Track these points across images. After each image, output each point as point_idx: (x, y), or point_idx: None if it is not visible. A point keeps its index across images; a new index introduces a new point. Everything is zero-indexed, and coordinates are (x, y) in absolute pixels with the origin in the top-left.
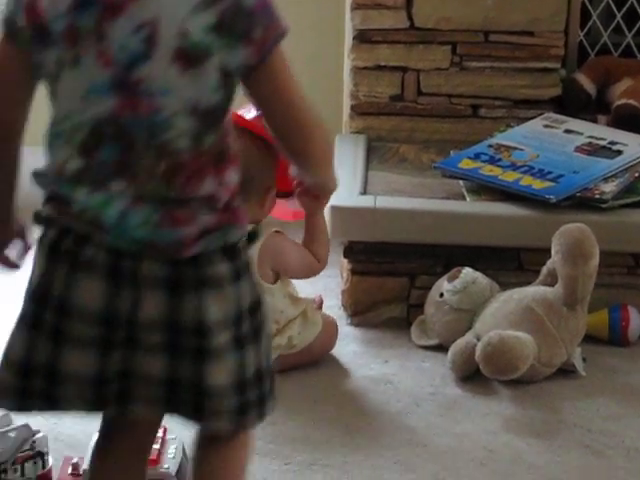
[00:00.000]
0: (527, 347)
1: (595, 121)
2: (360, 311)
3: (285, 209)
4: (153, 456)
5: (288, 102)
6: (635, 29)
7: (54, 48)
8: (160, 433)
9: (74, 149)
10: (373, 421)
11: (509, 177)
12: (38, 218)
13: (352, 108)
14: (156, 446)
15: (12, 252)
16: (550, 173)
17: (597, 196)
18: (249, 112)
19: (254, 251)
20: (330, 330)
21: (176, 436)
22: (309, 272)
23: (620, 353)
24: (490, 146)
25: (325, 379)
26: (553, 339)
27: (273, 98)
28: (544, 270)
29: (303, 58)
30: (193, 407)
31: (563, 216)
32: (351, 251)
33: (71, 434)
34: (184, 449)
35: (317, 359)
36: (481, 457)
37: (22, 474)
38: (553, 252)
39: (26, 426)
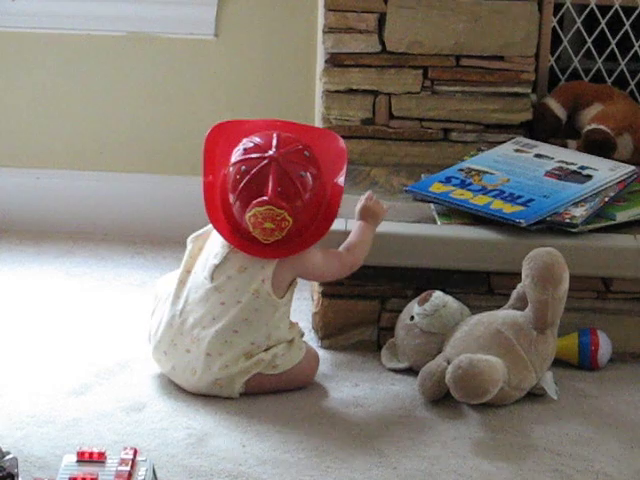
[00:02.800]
0: (497, 371)
1: (565, 146)
2: (330, 334)
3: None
4: (123, 478)
5: None
6: (605, 55)
7: None
8: (130, 455)
9: None
10: (343, 444)
11: (480, 201)
12: None
13: None
14: (126, 468)
15: None
16: (520, 197)
17: (567, 220)
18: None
19: (271, 264)
20: (312, 361)
21: (146, 458)
22: (337, 264)
23: (589, 377)
24: (461, 170)
25: (295, 401)
26: (523, 363)
27: None
28: (514, 294)
29: (275, 80)
30: None
31: (533, 240)
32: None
33: (41, 456)
34: (154, 470)
35: (294, 386)
36: None
37: None
38: (523, 276)
39: None
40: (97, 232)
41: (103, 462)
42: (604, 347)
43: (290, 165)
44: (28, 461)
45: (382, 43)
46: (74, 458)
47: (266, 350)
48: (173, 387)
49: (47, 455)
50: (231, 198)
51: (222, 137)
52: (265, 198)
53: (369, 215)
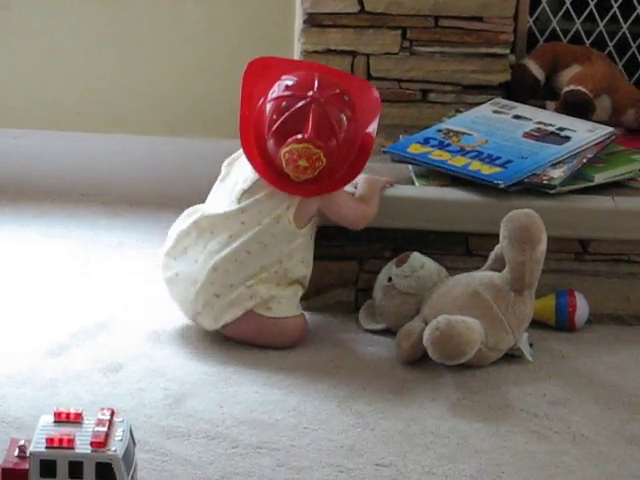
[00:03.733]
0: (474, 332)
1: (544, 107)
2: (308, 295)
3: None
4: (100, 439)
5: None
6: (584, 16)
7: None
8: (107, 416)
9: None
10: (320, 405)
11: (458, 162)
12: None
13: None
14: (103, 429)
15: None
16: (499, 158)
17: (545, 182)
18: None
19: None
20: (301, 324)
21: (123, 419)
22: (358, 210)
23: (567, 339)
24: (439, 131)
25: (272, 362)
26: (500, 324)
27: None
28: (492, 255)
29: (253, 41)
30: None
31: (511, 201)
32: None
33: (17, 416)
34: (131, 431)
35: (275, 343)
36: (428, 441)
37: None
38: (501, 237)
39: None
40: (74, 192)
41: (80, 423)
42: (581, 308)
43: (330, 107)
44: (5, 421)
45: (361, 3)
46: (51, 419)
47: (269, 286)
48: (150, 348)
49: (24, 415)
50: (267, 133)
51: (261, 73)
52: (305, 136)
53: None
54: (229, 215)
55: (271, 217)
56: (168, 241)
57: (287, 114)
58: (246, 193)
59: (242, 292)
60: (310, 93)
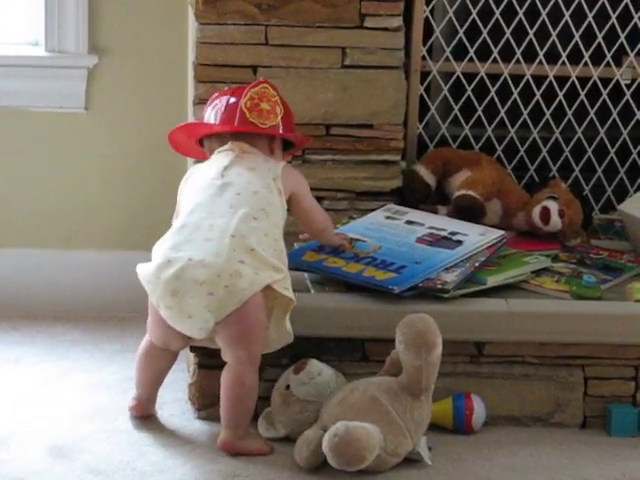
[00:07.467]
0: (373, 437)
1: (435, 212)
2: (207, 405)
3: None
4: None
5: None
6: (472, 121)
7: None
8: None
9: None
10: None
11: (352, 269)
12: None
13: None
14: None
15: None
16: (393, 264)
17: (439, 286)
18: None
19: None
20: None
21: None
22: (324, 216)
23: (465, 441)
24: None
25: (173, 473)
26: (399, 428)
27: None
28: (388, 360)
29: (147, 152)
30: None
31: (406, 306)
32: (197, 345)
33: None
34: None
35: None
36: None
37: None
38: (397, 342)
39: None
40: None
41: None
42: (478, 411)
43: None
44: None
45: None
46: None
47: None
48: (50, 463)
49: None
50: (220, 109)
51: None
52: (259, 80)
53: None
54: (219, 192)
55: (263, 186)
56: (159, 246)
57: (234, 87)
58: (227, 169)
59: (265, 261)
60: None
